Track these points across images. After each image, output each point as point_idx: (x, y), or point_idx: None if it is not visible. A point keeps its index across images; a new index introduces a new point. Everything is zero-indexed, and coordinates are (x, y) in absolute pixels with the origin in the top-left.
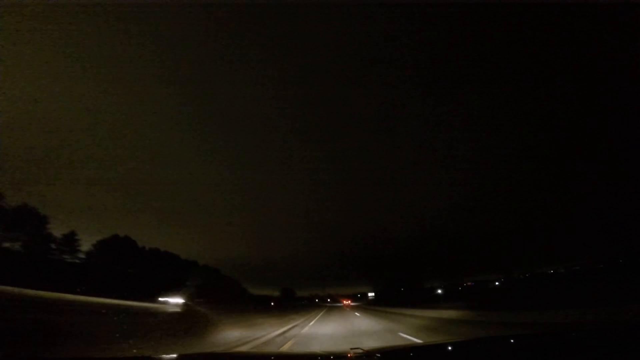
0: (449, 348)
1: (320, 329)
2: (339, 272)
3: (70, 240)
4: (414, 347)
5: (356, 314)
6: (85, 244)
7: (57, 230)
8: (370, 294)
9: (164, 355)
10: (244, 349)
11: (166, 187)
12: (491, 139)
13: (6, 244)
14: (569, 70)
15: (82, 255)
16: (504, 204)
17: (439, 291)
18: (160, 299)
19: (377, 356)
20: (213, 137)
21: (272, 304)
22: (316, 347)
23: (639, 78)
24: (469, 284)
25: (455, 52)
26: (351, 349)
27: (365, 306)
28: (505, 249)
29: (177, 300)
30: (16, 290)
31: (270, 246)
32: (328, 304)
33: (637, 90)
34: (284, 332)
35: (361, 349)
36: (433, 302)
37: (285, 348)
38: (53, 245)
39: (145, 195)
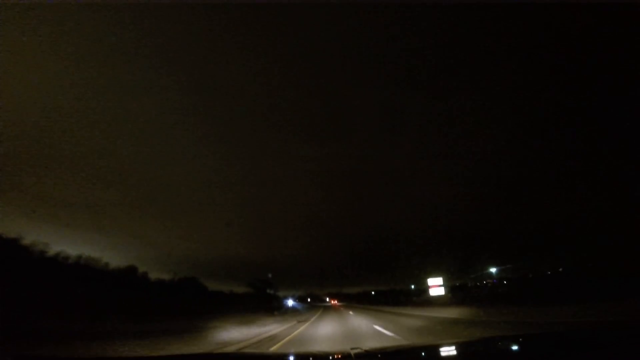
0: (450, 348)
1: None
2: (344, 270)
3: None
4: (414, 347)
5: None
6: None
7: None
8: (436, 282)
9: (164, 355)
10: None
11: (165, 184)
12: (501, 134)
13: None
14: (573, 68)
15: None
16: (514, 201)
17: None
18: None
19: (377, 356)
20: (213, 134)
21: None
22: (315, 347)
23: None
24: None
25: (460, 49)
26: (351, 348)
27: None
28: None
29: None
30: None
31: (270, 246)
32: (325, 304)
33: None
34: None
35: (361, 349)
36: None
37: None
38: None
39: (144, 193)
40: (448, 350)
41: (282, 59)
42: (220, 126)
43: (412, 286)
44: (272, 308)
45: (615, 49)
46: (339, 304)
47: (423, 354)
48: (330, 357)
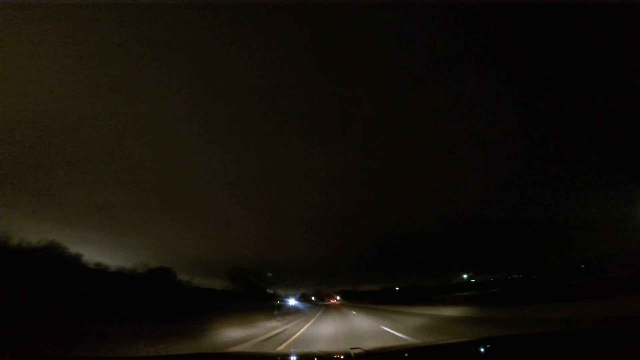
0: (450, 348)
1: None
2: (357, 267)
3: None
4: (414, 348)
5: None
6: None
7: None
8: None
9: (164, 355)
10: None
11: (167, 184)
12: (518, 128)
13: None
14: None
15: None
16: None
17: None
18: None
19: (378, 356)
20: (218, 134)
21: None
22: (316, 347)
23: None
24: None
25: (464, 47)
26: (351, 349)
27: None
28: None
29: None
30: None
31: (274, 245)
32: (326, 303)
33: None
34: None
35: (361, 349)
36: None
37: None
38: None
39: (147, 193)
40: (448, 350)
41: (286, 58)
42: (224, 126)
43: (465, 276)
44: (272, 308)
45: (617, 48)
46: (338, 302)
47: (423, 353)
48: (331, 357)
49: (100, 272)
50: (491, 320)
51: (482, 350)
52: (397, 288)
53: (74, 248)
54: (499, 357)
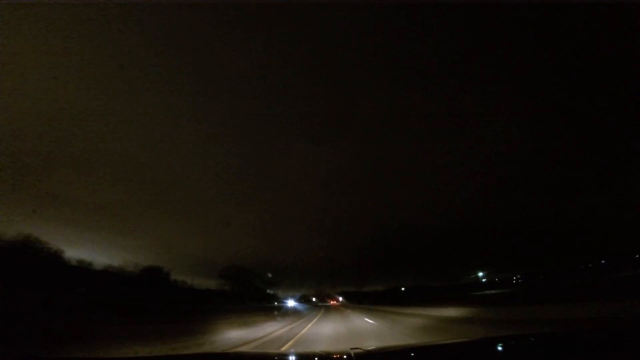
0: (450, 348)
1: None
2: (361, 267)
3: None
4: (414, 348)
5: None
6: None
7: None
8: None
9: (164, 355)
10: None
11: (166, 184)
12: (520, 127)
13: None
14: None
15: None
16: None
17: None
18: None
19: (378, 356)
20: (218, 134)
21: None
22: (317, 347)
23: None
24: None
25: (465, 48)
26: (351, 348)
27: None
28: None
29: None
30: None
31: (275, 244)
32: (326, 304)
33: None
34: None
35: (361, 349)
36: None
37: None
38: None
39: (147, 193)
40: (448, 350)
41: (286, 58)
42: (224, 126)
43: (473, 275)
44: (271, 309)
45: (618, 48)
46: (339, 304)
47: (423, 354)
48: (331, 357)
49: (100, 273)
50: (500, 320)
51: (482, 350)
52: (402, 288)
53: (74, 248)
54: (499, 357)
